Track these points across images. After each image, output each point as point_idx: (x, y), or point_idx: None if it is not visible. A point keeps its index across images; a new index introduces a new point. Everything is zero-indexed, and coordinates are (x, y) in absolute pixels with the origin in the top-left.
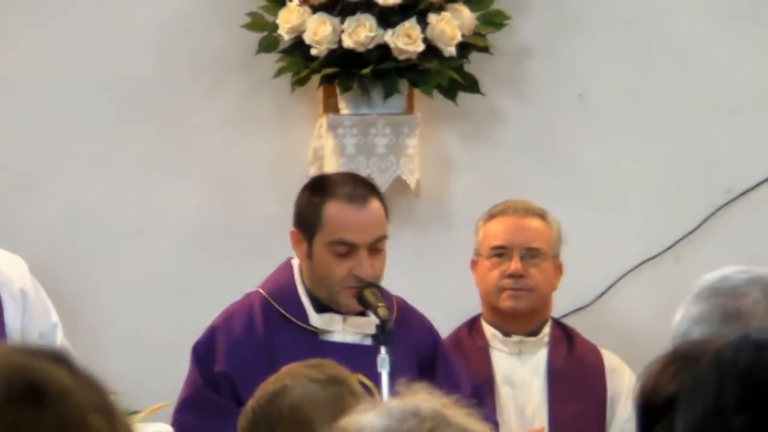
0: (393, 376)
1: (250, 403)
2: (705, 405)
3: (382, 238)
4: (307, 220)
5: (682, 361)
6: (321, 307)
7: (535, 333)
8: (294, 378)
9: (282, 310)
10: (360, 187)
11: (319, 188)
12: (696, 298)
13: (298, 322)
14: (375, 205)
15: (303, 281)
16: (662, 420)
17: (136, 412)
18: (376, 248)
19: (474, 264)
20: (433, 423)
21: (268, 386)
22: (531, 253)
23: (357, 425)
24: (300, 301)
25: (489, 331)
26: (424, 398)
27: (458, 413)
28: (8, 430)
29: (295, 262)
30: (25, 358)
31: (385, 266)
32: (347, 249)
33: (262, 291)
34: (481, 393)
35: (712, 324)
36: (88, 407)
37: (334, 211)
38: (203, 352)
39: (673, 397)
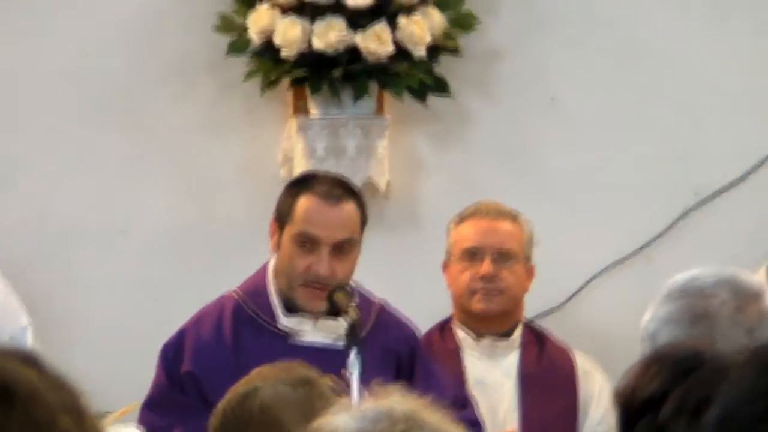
0: (365, 379)
1: (221, 405)
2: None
3: (349, 242)
4: (281, 211)
5: (663, 362)
6: (291, 309)
7: (506, 335)
8: (264, 380)
9: (252, 312)
10: (338, 188)
11: (299, 182)
12: (665, 299)
13: (268, 324)
14: (348, 207)
15: (275, 282)
16: (642, 419)
17: (108, 413)
18: (341, 250)
19: (445, 266)
20: (406, 424)
21: (238, 388)
22: (502, 256)
23: (330, 426)
24: (269, 302)
25: (460, 333)
26: (398, 399)
27: (432, 414)
28: None
29: (270, 264)
30: None
31: (350, 272)
32: (310, 244)
33: (236, 293)
34: (464, 400)
35: (681, 324)
36: (58, 408)
37: (305, 204)
38: (171, 353)
39: (654, 396)
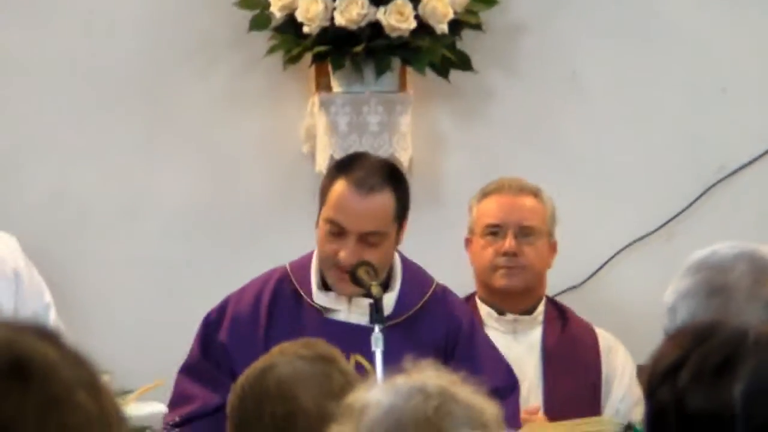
0: (396, 358)
1: (240, 380)
2: None
3: (376, 234)
4: (321, 190)
5: (683, 333)
6: (329, 286)
7: (529, 311)
8: (283, 356)
9: (296, 286)
10: (375, 177)
11: (342, 164)
12: (685, 273)
13: (306, 299)
14: (381, 198)
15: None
16: (664, 383)
17: (128, 392)
18: (368, 241)
19: (468, 242)
20: (439, 400)
21: (258, 364)
22: (525, 232)
23: (363, 401)
24: (309, 278)
25: (483, 309)
26: (431, 375)
27: (465, 390)
28: None
29: None
30: (10, 333)
31: (383, 258)
32: (338, 230)
33: (288, 264)
34: (505, 391)
35: (698, 297)
36: (75, 383)
37: (339, 190)
38: (213, 320)
39: (674, 364)
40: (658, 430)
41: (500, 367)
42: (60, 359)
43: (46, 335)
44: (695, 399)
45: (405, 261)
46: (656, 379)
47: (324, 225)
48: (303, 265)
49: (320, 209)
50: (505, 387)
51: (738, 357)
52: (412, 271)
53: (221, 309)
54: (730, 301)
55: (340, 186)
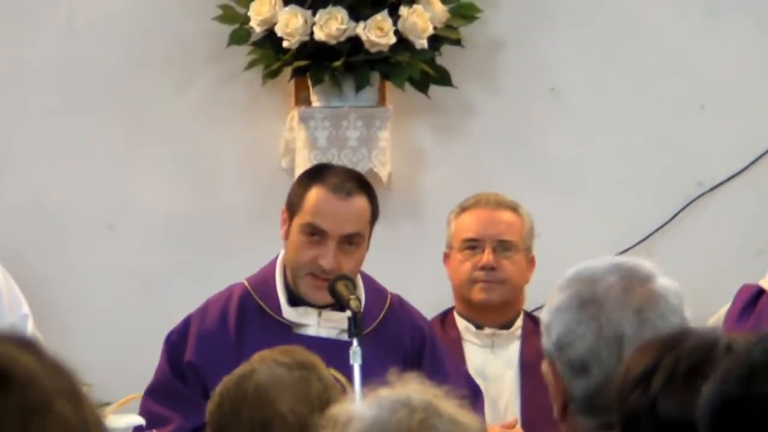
0: (369, 371)
1: (219, 387)
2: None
3: (356, 236)
4: (292, 200)
5: (656, 343)
6: (296, 301)
7: (507, 326)
8: (262, 362)
9: (258, 302)
10: (350, 182)
11: (312, 173)
12: (557, 290)
13: (273, 315)
14: (359, 202)
15: (283, 273)
16: (637, 390)
17: (107, 404)
18: (348, 245)
19: (446, 257)
20: (423, 414)
21: (237, 371)
22: (503, 246)
23: (347, 414)
24: (275, 293)
25: (461, 323)
26: (415, 389)
27: (449, 404)
28: None
29: (281, 255)
30: None
31: (356, 266)
32: (318, 235)
33: (246, 282)
34: (471, 395)
35: (570, 311)
36: (55, 393)
37: (315, 195)
38: (175, 340)
39: (646, 371)
40: None
41: (462, 374)
42: (40, 368)
43: (26, 345)
44: (667, 404)
45: (362, 272)
46: (628, 387)
47: (300, 232)
48: (264, 280)
49: (290, 221)
50: (469, 393)
51: (708, 363)
52: (372, 282)
53: (183, 329)
54: (602, 312)
55: (316, 192)
